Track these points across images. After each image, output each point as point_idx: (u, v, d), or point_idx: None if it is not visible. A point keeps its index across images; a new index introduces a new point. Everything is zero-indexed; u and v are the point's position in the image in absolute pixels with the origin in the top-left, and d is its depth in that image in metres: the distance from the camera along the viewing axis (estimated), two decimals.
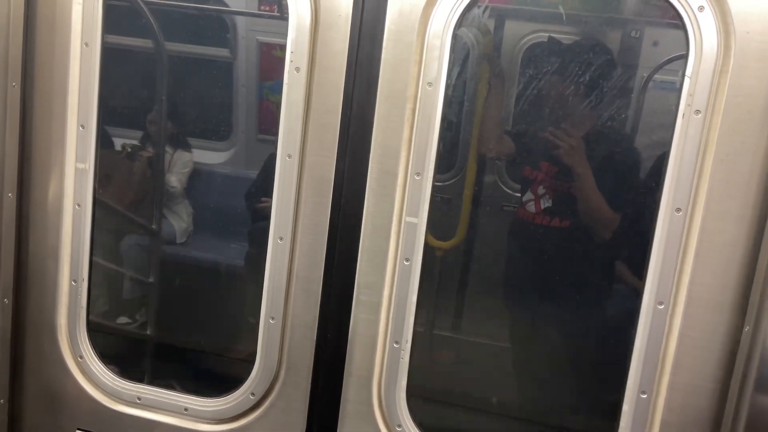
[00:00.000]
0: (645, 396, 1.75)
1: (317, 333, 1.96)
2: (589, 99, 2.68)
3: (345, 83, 1.83)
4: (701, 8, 1.59)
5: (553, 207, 2.71)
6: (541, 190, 2.76)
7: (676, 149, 1.64)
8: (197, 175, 4.39)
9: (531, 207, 2.79)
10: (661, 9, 1.63)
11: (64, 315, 2.12)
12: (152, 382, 2.17)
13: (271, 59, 4.77)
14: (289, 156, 1.89)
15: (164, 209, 4.03)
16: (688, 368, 1.72)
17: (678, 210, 1.65)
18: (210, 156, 4.89)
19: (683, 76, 1.61)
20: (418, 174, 1.83)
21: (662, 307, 1.70)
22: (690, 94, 1.61)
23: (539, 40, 3.85)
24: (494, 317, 3.10)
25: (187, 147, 4.32)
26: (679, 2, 1.60)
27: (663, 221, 1.67)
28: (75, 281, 2.10)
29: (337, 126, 1.86)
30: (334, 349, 1.96)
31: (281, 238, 1.93)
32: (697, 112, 1.61)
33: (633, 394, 1.76)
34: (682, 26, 1.61)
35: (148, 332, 3.48)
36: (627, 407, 1.77)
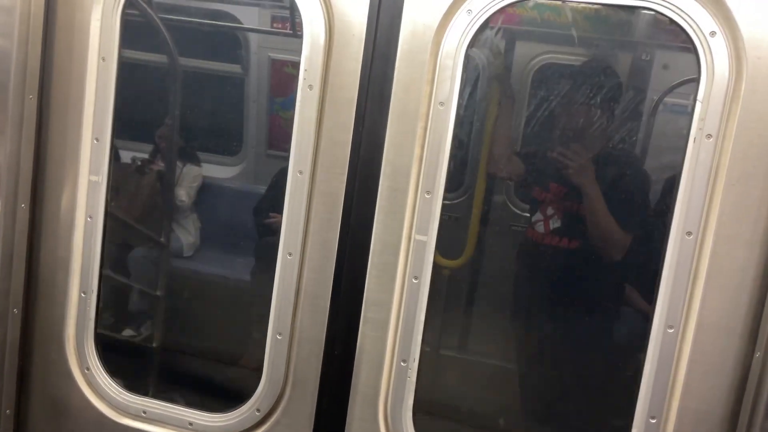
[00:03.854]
0: (654, 421, 1.73)
1: (324, 350, 1.96)
2: (598, 121, 2.68)
3: (357, 101, 1.85)
4: (713, 33, 1.60)
5: (562, 228, 2.71)
6: (549, 210, 2.76)
7: (688, 173, 1.64)
8: (206, 189, 4.42)
9: (540, 227, 2.79)
10: (672, 33, 1.64)
11: (73, 326, 2.12)
12: (156, 395, 2.17)
13: (282, 76, 4.82)
14: (300, 172, 1.90)
15: (172, 223, 4.05)
16: (698, 393, 1.71)
17: (689, 234, 1.65)
18: (220, 170, 4.93)
19: (695, 100, 1.62)
20: (428, 192, 1.83)
21: (672, 331, 1.69)
22: (701, 119, 1.61)
23: (549, 61, 3.87)
24: (501, 337, 3.09)
25: (197, 161, 4.36)
26: (691, 27, 1.61)
27: (674, 245, 1.66)
28: (84, 293, 2.11)
29: (349, 143, 1.87)
30: (340, 366, 1.95)
31: (290, 254, 1.94)
32: (709, 136, 1.61)
33: (642, 418, 1.74)
34: (694, 51, 1.62)
35: (153, 345, 3.48)
36: None
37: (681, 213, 1.65)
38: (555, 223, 2.74)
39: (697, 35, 1.60)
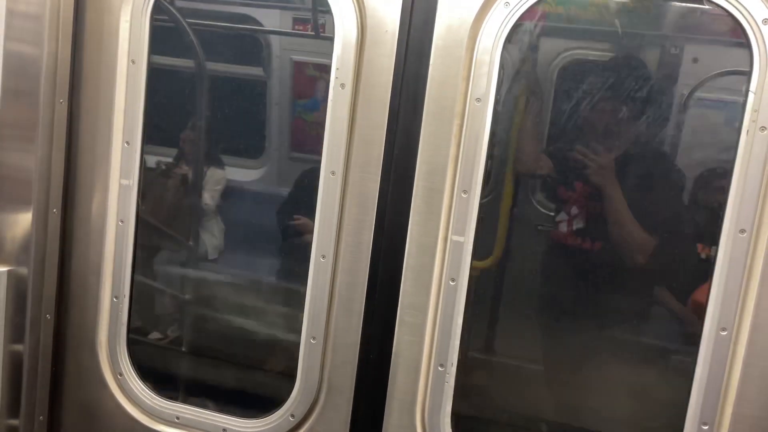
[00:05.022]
0: (706, 428, 1.66)
1: (359, 354, 1.92)
2: (636, 119, 2.62)
3: (391, 99, 1.81)
4: (765, 21, 1.53)
5: (586, 228, 2.65)
6: (574, 210, 2.71)
7: (740, 168, 1.56)
8: (230, 192, 4.42)
9: (563, 227, 2.73)
10: (721, 23, 1.57)
11: (105, 331, 2.11)
12: (187, 400, 2.15)
13: (305, 78, 4.81)
14: (333, 173, 1.86)
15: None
16: (753, 399, 1.63)
17: (742, 231, 1.58)
18: (243, 173, 4.93)
19: (747, 91, 1.54)
20: (465, 191, 1.78)
21: (725, 333, 1.62)
22: (755, 110, 1.54)
23: (578, 56, 3.79)
24: (535, 339, 3.02)
25: (220, 164, 4.36)
26: (742, 15, 1.54)
27: (726, 243, 1.59)
28: (116, 297, 2.09)
29: (383, 142, 1.83)
30: (376, 372, 1.91)
31: (323, 257, 1.90)
32: (763, 128, 1.54)
33: (694, 425, 1.67)
34: (746, 39, 1.54)
35: (181, 348, 3.48)
36: None
37: (734, 210, 1.58)
38: (578, 223, 2.68)
39: (749, 23, 1.53)
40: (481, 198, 1.79)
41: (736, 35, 1.60)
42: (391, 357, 1.89)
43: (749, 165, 1.56)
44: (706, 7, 1.57)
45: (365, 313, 1.90)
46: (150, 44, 1.99)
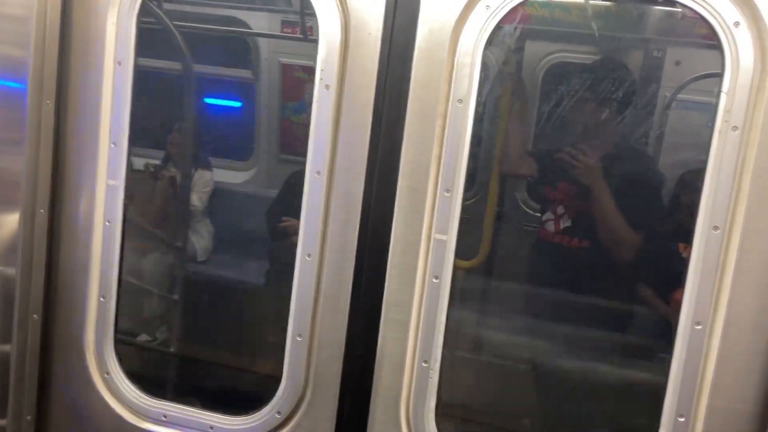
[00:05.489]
0: (683, 420, 1.70)
1: (345, 352, 1.94)
2: (614, 118, 2.66)
3: (375, 100, 1.84)
4: (737, 24, 1.57)
5: (573, 227, 2.69)
6: (560, 210, 2.74)
7: (713, 166, 1.61)
8: (219, 194, 4.43)
9: (550, 227, 2.77)
10: (694, 26, 1.62)
11: (92, 331, 2.12)
12: (174, 398, 2.16)
13: (293, 80, 4.83)
14: (318, 173, 1.89)
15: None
16: (727, 391, 1.67)
17: (715, 228, 1.62)
18: (233, 175, 4.94)
19: (719, 92, 1.59)
20: (447, 191, 1.81)
21: (700, 327, 1.66)
22: (727, 111, 1.58)
23: (562, 59, 3.85)
24: (518, 338, 3.06)
25: (208, 166, 4.37)
26: (714, 18, 1.59)
27: (700, 240, 1.63)
28: (104, 297, 2.10)
29: (367, 143, 1.86)
30: (361, 368, 1.94)
31: (309, 256, 1.93)
32: (735, 128, 1.58)
33: (670, 417, 1.70)
34: (718, 43, 1.59)
35: (170, 349, 3.49)
36: (664, 431, 1.72)
37: (707, 207, 1.62)
38: (565, 222, 2.72)
39: (720, 26, 1.58)
40: (468, 199, 1.83)
41: (714, 38, 1.64)
42: (376, 354, 1.92)
43: (722, 164, 1.60)
44: (679, 10, 1.61)
45: (350, 310, 1.92)
46: (136, 46, 2.01)
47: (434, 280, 1.85)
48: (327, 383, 1.96)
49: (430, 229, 1.85)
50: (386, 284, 1.89)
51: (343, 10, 1.82)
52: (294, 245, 1.95)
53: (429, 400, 1.89)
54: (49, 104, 2.01)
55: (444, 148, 1.80)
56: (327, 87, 1.85)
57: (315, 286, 1.93)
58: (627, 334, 2.75)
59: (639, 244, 2.51)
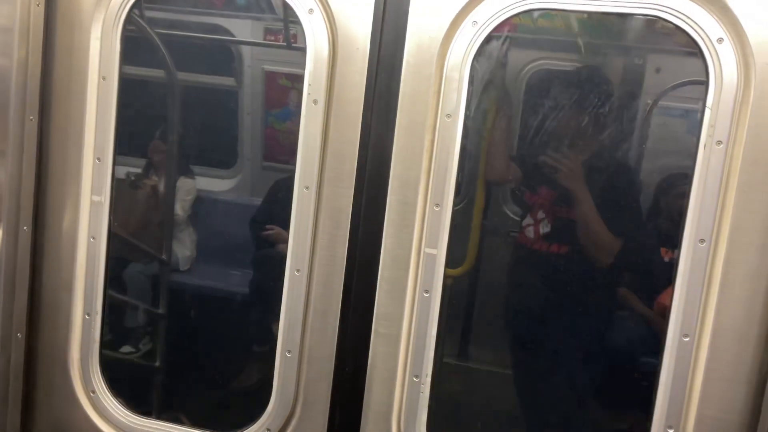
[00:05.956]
0: (672, 431, 1.72)
1: (335, 367, 1.93)
2: (596, 126, 2.68)
3: (363, 115, 1.84)
4: (720, 40, 1.60)
5: (552, 232, 2.70)
6: (540, 214, 2.75)
7: (699, 180, 1.63)
8: (202, 202, 4.39)
9: (530, 232, 2.78)
10: (681, 37, 1.64)
11: (77, 349, 2.09)
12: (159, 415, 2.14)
13: (277, 88, 4.81)
14: (307, 187, 1.88)
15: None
16: (716, 401, 1.69)
17: (702, 241, 1.64)
18: (216, 183, 4.90)
19: (704, 106, 1.61)
20: (437, 205, 1.82)
21: (687, 339, 1.68)
22: (711, 125, 1.61)
23: (544, 67, 3.88)
24: (506, 346, 3.07)
25: (191, 174, 4.33)
26: (698, 34, 1.61)
27: (687, 252, 1.65)
28: (88, 314, 2.07)
29: (355, 157, 1.86)
30: (351, 383, 1.93)
31: (298, 270, 1.92)
32: (719, 142, 1.61)
33: (659, 428, 1.72)
34: (702, 58, 1.61)
35: (154, 362, 3.44)
36: None
37: (693, 220, 1.64)
38: (545, 228, 2.73)
39: (704, 41, 1.60)
40: (454, 206, 1.84)
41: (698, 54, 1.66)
42: (366, 368, 1.91)
43: (707, 177, 1.62)
44: (666, 25, 1.63)
45: (340, 325, 1.92)
46: (121, 61, 1.99)
47: (424, 294, 1.85)
48: (317, 399, 1.95)
49: (420, 243, 1.85)
50: (376, 299, 1.89)
51: (331, 25, 1.81)
52: (278, 253, 1.94)
53: (420, 415, 1.89)
54: (33, 120, 1.98)
55: (433, 163, 1.81)
56: (315, 102, 1.84)
57: (304, 301, 1.92)
58: (607, 340, 2.77)
59: (619, 248, 2.52)
